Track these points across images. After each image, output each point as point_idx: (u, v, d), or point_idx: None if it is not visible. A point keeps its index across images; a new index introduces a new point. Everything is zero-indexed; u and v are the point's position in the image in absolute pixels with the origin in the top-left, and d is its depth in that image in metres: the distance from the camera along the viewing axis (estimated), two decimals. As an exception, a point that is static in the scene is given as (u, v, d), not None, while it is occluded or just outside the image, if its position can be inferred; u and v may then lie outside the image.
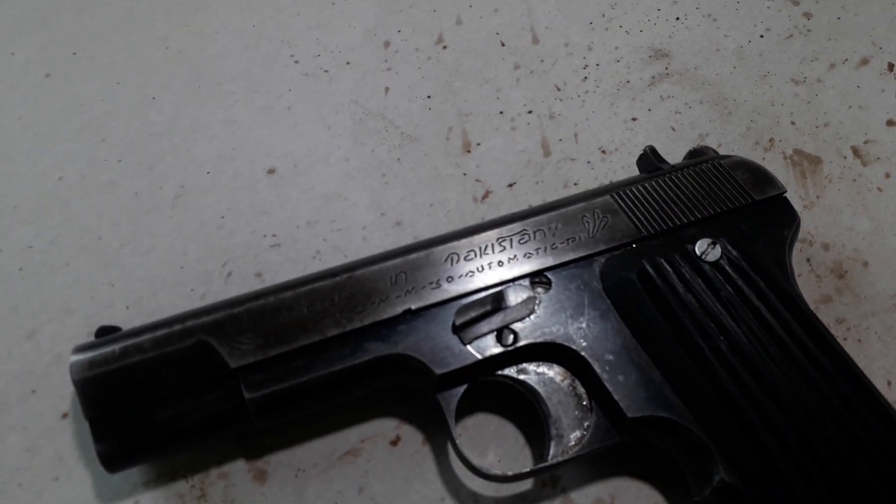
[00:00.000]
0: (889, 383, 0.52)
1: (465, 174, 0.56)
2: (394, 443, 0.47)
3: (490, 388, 0.47)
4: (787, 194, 0.51)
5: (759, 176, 0.51)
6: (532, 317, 0.45)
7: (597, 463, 0.47)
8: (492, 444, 0.46)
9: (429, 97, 0.59)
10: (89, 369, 0.42)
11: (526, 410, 0.47)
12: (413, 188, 0.55)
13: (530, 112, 0.59)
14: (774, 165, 0.59)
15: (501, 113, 0.59)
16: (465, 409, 0.48)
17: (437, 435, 0.47)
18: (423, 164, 0.56)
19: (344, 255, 0.52)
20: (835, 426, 0.41)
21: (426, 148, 0.57)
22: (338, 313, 0.44)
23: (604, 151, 0.58)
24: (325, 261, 0.52)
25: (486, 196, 0.56)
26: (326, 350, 0.43)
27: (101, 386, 0.42)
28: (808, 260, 0.56)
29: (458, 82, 0.60)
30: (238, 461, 0.45)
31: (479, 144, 0.58)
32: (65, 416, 0.46)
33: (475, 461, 0.45)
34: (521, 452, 0.47)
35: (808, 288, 0.55)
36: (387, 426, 0.47)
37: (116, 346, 0.43)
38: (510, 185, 0.56)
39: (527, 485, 0.46)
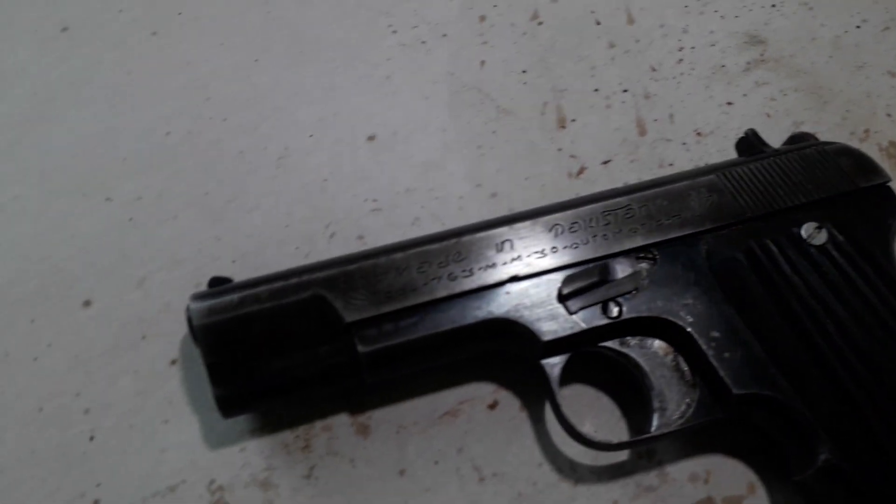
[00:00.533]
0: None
1: (559, 149, 0.56)
2: (491, 407, 0.47)
3: (587, 360, 0.48)
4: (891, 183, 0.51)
5: (863, 163, 0.50)
6: (638, 291, 0.45)
7: (692, 439, 0.47)
8: (588, 414, 0.47)
9: (524, 72, 0.59)
10: (209, 316, 0.43)
11: (622, 383, 0.48)
12: (508, 161, 0.55)
13: (625, 91, 0.59)
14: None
15: (596, 90, 0.59)
16: (563, 378, 0.48)
17: (534, 402, 0.47)
18: (518, 137, 0.56)
19: (441, 222, 0.53)
20: None
21: (521, 122, 0.57)
22: (446, 276, 0.44)
23: (699, 134, 0.58)
24: (423, 227, 0.52)
25: (580, 172, 0.56)
26: (435, 311, 0.43)
27: (221, 332, 0.43)
28: (901, 251, 0.56)
29: (552, 58, 0.60)
30: (341, 415, 0.46)
31: (573, 121, 0.58)
32: (173, 362, 0.47)
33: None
34: (616, 424, 0.47)
35: None
36: (484, 390, 0.47)
37: (235, 296, 0.44)
38: (605, 163, 0.56)
39: (623, 456, 0.47)
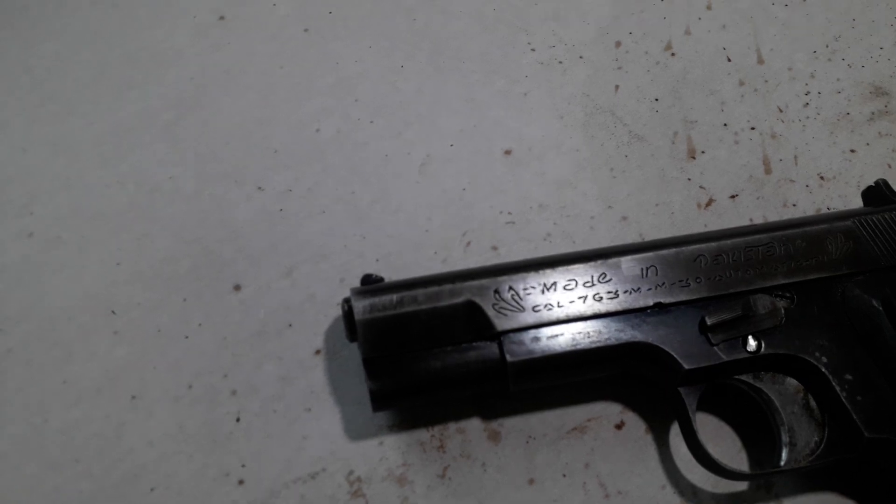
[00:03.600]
0: None
1: (689, 179, 0.56)
2: (618, 427, 0.47)
3: (717, 390, 0.49)
4: None
5: None
6: (778, 328, 0.45)
7: (809, 476, 0.47)
8: (710, 443, 0.46)
9: (656, 100, 0.59)
10: (370, 312, 0.43)
11: (746, 416, 0.48)
12: (639, 186, 0.55)
13: (753, 129, 0.59)
14: None
15: (725, 125, 0.59)
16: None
17: (659, 426, 0.47)
18: (649, 163, 0.56)
19: (572, 240, 0.53)
20: None
21: (652, 149, 0.57)
22: (592, 296, 0.45)
23: (822, 178, 0.58)
24: (554, 243, 0.53)
25: (709, 204, 0.56)
26: (581, 329, 0.43)
27: (380, 329, 0.43)
28: None
29: (684, 90, 0.60)
30: (474, 419, 0.47)
31: (703, 153, 0.58)
32: (318, 352, 0.48)
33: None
34: (737, 455, 0.47)
35: None
36: (612, 410, 0.48)
37: (394, 295, 0.44)
38: (732, 197, 0.56)
39: (742, 486, 0.47)
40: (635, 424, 0.47)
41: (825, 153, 0.59)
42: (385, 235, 0.51)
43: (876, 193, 0.54)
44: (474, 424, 0.46)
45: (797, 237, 0.48)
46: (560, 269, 0.46)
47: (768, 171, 0.58)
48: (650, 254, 0.46)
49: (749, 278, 0.46)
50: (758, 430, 0.47)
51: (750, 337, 0.45)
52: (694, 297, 0.45)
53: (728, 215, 0.56)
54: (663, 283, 0.46)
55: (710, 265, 0.47)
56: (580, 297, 0.45)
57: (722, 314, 0.45)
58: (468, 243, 0.52)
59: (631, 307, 0.44)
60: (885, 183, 0.53)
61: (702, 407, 0.49)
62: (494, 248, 0.52)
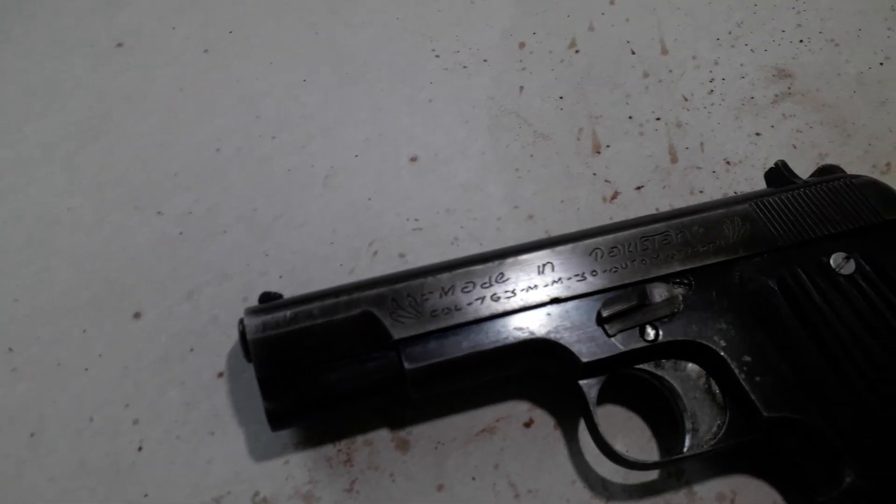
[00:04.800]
0: None
1: (594, 174, 0.57)
2: (527, 425, 0.47)
3: (619, 381, 0.49)
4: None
5: (888, 197, 0.51)
6: (674, 315, 0.45)
7: (719, 460, 0.47)
8: (619, 434, 0.47)
9: (561, 98, 0.60)
10: (263, 331, 0.43)
11: (653, 404, 0.48)
12: (545, 184, 0.55)
13: (658, 119, 0.59)
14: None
15: (630, 118, 0.59)
16: (598, 399, 0.49)
17: (568, 421, 0.47)
18: (554, 161, 0.57)
19: (480, 243, 0.53)
20: None
21: (558, 146, 0.57)
22: (489, 296, 0.45)
23: (728, 163, 0.59)
24: (462, 247, 0.53)
25: (614, 197, 0.57)
26: (479, 331, 0.44)
27: (274, 347, 0.43)
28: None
29: (589, 86, 0.60)
30: (382, 430, 0.46)
31: (608, 147, 0.58)
32: (220, 375, 0.47)
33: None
34: (646, 444, 0.47)
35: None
36: (520, 408, 0.48)
37: (288, 312, 0.44)
38: (638, 188, 0.57)
39: (653, 475, 0.47)
40: (544, 421, 0.47)
41: (731, 138, 0.60)
42: (289, 251, 0.51)
43: (777, 175, 0.54)
44: (382, 435, 0.46)
45: (694, 224, 0.48)
46: (458, 272, 0.45)
47: (674, 160, 0.59)
48: (546, 250, 0.47)
49: (645, 268, 0.46)
50: (666, 417, 0.47)
51: (647, 326, 0.45)
52: (590, 290, 0.45)
53: (634, 207, 0.56)
54: (560, 279, 0.46)
55: (607, 257, 0.47)
56: (478, 299, 0.45)
57: (617, 305, 0.46)
58: (375, 253, 0.52)
59: (528, 305, 0.44)
60: (784, 164, 0.54)
61: (611, 398, 0.49)
62: (402, 256, 0.52)
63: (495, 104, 0.59)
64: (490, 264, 0.46)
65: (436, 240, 0.52)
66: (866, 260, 0.47)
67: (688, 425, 0.45)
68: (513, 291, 0.46)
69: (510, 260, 0.46)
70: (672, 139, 0.60)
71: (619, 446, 0.47)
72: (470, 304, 0.45)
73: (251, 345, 0.44)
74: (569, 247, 0.47)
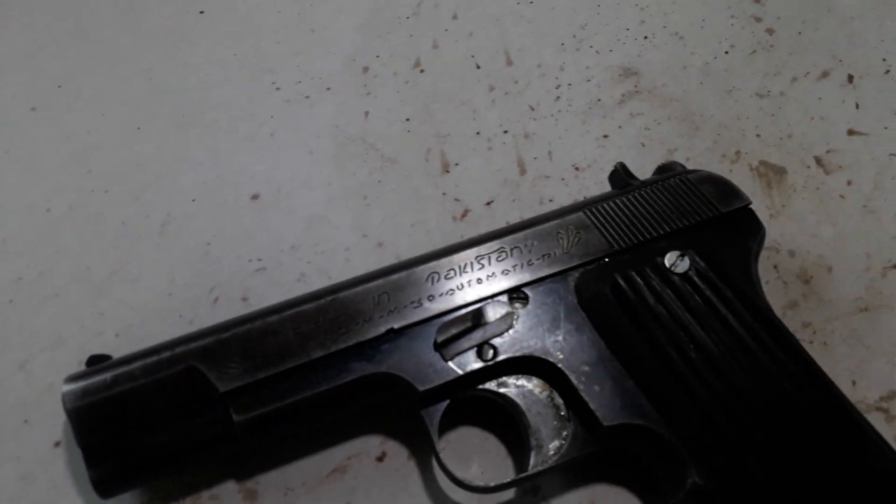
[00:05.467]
0: (854, 383, 0.53)
1: (444, 194, 0.57)
2: (380, 459, 0.47)
3: (473, 403, 0.49)
4: (752, 205, 0.52)
5: (724, 189, 0.52)
6: (511, 332, 0.46)
7: (576, 471, 0.47)
8: (475, 456, 0.47)
9: (407, 120, 0.60)
10: (82, 398, 0.43)
11: (508, 423, 0.48)
12: (394, 209, 0.56)
13: (506, 132, 0.60)
14: (741, 177, 0.60)
15: (478, 133, 0.60)
16: (449, 423, 0.48)
17: (422, 449, 0.48)
18: (403, 185, 0.57)
19: (328, 276, 0.53)
20: (801, 427, 0.42)
21: (406, 169, 0.58)
22: (322, 335, 0.45)
23: (577, 168, 0.59)
24: (309, 283, 0.53)
25: (464, 215, 0.57)
26: (312, 371, 0.44)
27: (94, 414, 0.42)
28: (776, 267, 0.57)
29: (435, 105, 0.61)
30: (228, 482, 0.46)
31: (457, 164, 0.59)
32: (57, 444, 0.47)
33: (459, 474, 0.45)
34: (503, 463, 0.47)
35: (776, 294, 0.56)
36: (372, 443, 0.48)
37: (108, 375, 0.43)
38: (488, 204, 0.57)
39: (510, 494, 0.47)
40: (398, 453, 0.47)
41: (578, 144, 0.61)
42: (126, 307, 0.51)
43: (617, 177, 0.55)
44: (229, 487, 0.46)
45: (528, 238, 0.49)
46: (288, 313, 0.45)
47: (523, 171, 0.60)
48: (380, 281, 0.47)
49: (481, 287, 0.46)
50: (518, 436, 0.48)
51: (485, 346, 0.45)
52: (426, 317, 0.45)
53: (485, 222, 0.57)
54: (395, 308, 0.46)
55: (443, 281, 0.47)
56: (310, 340, 0.44)
57: (452, 329, 0.46)
58: (216, 299, 0.52)
59: (362, 339, 0.44)
60: (623, 166, 0.55)
61: (467, 420, 0.50)
62: (244, 300, 0.52)
63: (340, 132, 0.59)
64: (322, 301, 0.46)
65: (281, 279, 0.52)
66: (701, 256, 0.48)
67: (532, 442, 0.46)
68: (347, 327, 0.45)
69: (343, 294, 0.46)
70: (520, 151, 0.60)
71: (474, 468, 0.47)
72: (302, 345, 0.45)
73: (68, 414, 0.43)
74: (404, 274, 0.47)
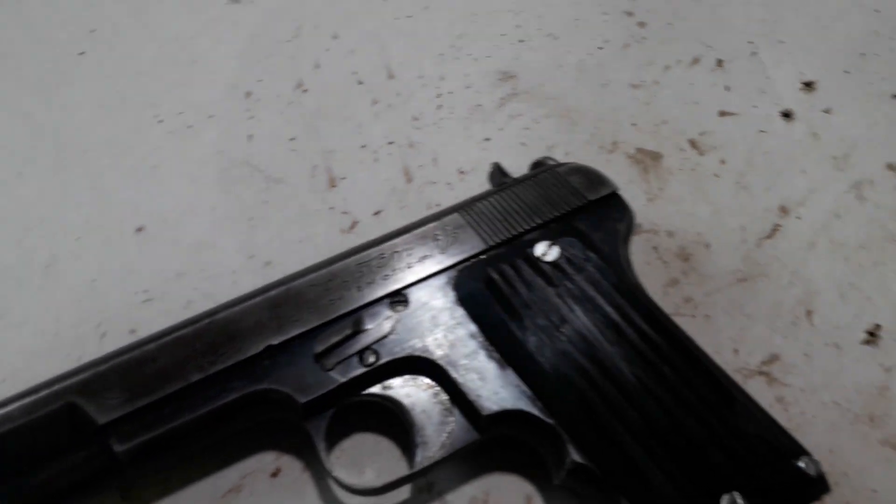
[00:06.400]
0: (736, 351, 0.57)
1: (331, 208, 0.60)
2: (274, 475, 0.49)
3: (364, 409, 0.51)
4: (627, 191, 0.56)
5: (591, 178, 0.56)
6: (392, 335, 0.48)
7: (469, 463, 0.50)
8: (369, 461, 0.49)
9: (292, 140, 0.62)
10: (-44, 446, 0.44)
11: (399, 425, 0.50)
12: (281, 228, 0.58)
13: (391, 143, 0.63)
14: (618, 166, 0.64)
15: (364, 147, 0.63)
16: (342, 431, 0.50)
17: (317, 461, 0.48)
18: (289, 203, 0.59)
19: (215, 301, 0.53)
20: (672, 400, 0.45)
21: (292, 188, 0.60)
22: (200, 358, 0.46)
23: (462, 172, 0.62)
24: (196, 309, 0.53)
25: (353, 226, 0.59)
26: (191, 395, 0.45)
27: (-30, 461, 0.44)
28: (655, 248, 0.61)
29: (320, 122, 0.64)
30: (123, 514, 0.48)
31: (343, 179, 0.61)
32: (-55, 494, 0.47)
33: (353, 480, 0.47)
34: (397, 465, 0.49)
35: (657, 273, 0.59)
36: (266, 460, 0.49)
37: (-14, 418, 0.45)
38: (376, 214, 0.59)
39: (405, 494, 0.49)
40: (292, 467, 0.49)
41: (462, 148, 0.64)
42: (11, 353, 0.51)
43: (494, 177, 0.59)
44: (123, 519, 0.47)
45: (407, 242, 0.51)
46: (165, 339, 0.46)
47: (409, 179, 0.62)
48: (259, 299, 0.49)
49: (360, 294, 0.49)
50: (408, 437, 0.50)
51: (366, 351, 0.48)
52: (305, 330, 0.47)
53: (374, 232, 0.58)
54: (274, 325, 0.48)
55: (322, 293, 0.49)
56: (189, 363, 0.46)
57: (331, 339, 0.48)
58: (104, 334, 0.53)
59: (241, 358, 0.46)
60: (498, 166, 0.59)
61: (359, 427, 0.51)
62: (133, 332, 0.53)
63: (224, 157, 0.61)
64: (199, 325, 0.47)
65: (168, 308, 0.54)
66: (571, 243, 0.51)
67: (418, 440, 0.48)
68: (224, 348, 0.47)
69: (220, 316, 0.48)
70: (406, 160, 0.63)
71: (369, 473, 0.49)
72: (181, 370, 0.46)
73: (-54, 462, 0.44)
74: (283, 290, 0.49)
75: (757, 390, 0.54)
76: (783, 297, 0.60)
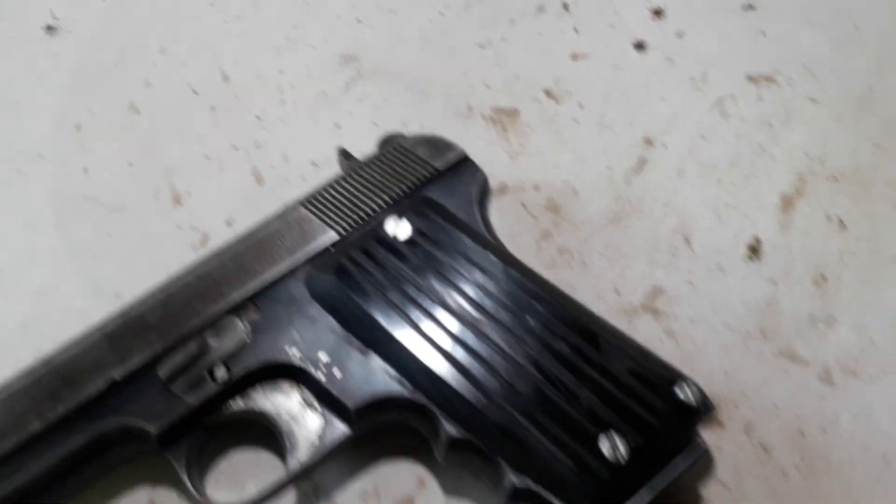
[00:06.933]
0: (618, 292, 0.56)
1: (178, 227, 0.57)
2: (150, 509, 0.48)
3: (234, 427, 0.49)
4: (481, 153, 0.54)
5: (438, 146, 0.54)
6: (244, 347, 0.46)
7: (353, 457, 0.48)
8: (250, 476, 0.47)
9: (130, 164, 0.60)
10: None
11: (273, 436, 0.49)
12: (127, 257, 0.55)
13: (235, 148, 0.61)
14: (476, 129, 0.63)
15: (207, 157, 0.60)
16: (217, 450, 0.48)
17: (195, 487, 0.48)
18: (133, 230, 0.57)
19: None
20: (538, 353, 0.44)
21: (135, 214, 0.58)
22: (39, 406, 0.44)
23: (315, 165, 0.60)
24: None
25: (205, 241, 0.56)
26: (34, 446, 0.42)
27: None
28: (524, 204, 0.60)
29: (157, 141, 0.61)
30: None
31: (189, 194, 0.59)
32: None
33: (233, 498, 0.45)
34: (279, 475, 0.48)
35: (528, 229, 0.58)
36: (139, 498, 0.47)
37: None
38: (229, 224, 0.57)
39: (290, 501, 0.47)
40: (167, 498, 0.46)
41: (313, 140, 0.62)
42: None
43: (342, 162, 0.57)
44: None
45: (247, 247, 0.49)
46: (9, 393, 0.43)
47: (261, 182, 0.60)
48: (95, 335, 0.46)
49: (205, 309, 0.46)
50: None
51: (217, 368, 0.46)
52: (148, 358, 0.45)
53: (227, 243, 0.58)
54: (114, 359, 0.45)
55: (162, 316, 0.47)
56: (25, 416, 0.42)
57: (174, 361, 0.46)
58: (-54, 405, 0.50)
59: (83, 398, 0.43)
60: (342, 150, 0.57)
61: (234, 445, 0.49)
62: (-22, 395, 0.51)
63: (59, 196, 0.58)
64: (34, 374, 0.44)
65: (16, 361, 0.48)
66: (422, 214, 0.50)
67: (287, 444, 0.46)
68: (64, 392, 0.44)
69: (57, 360, 0.45)
70: (254, 162, 0.61)
71: (250, 487, 0.47)
72: (19, 423, 0.43)
73: None
74: (119, 321, 0.47)
75: (644, 327, 0.54)
76: (659, 230, 0.60)
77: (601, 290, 0.56)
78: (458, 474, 0.48)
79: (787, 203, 0.61)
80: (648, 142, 0.63)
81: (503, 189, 0.60)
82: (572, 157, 0.62)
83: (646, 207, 0.60)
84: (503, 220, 0.58)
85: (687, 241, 0.59)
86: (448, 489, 0.48)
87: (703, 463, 0.45)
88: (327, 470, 0.48)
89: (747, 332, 0.56)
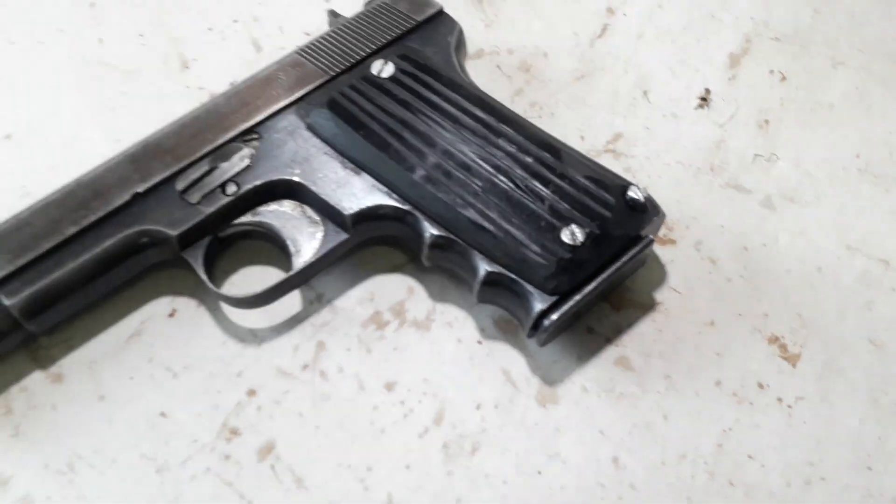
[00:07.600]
0: (583, 137, 0.64)
1: (187, 87, 0.64)
2: (171, 315, 0.54)
3: (243, 244, 0.56)
4: (456, 13, 0.60)
5: (417, 2, 0.62)
6: (250, 167, 0.54)
7: (352, 272, 0.56)
8: (259, 286, 0.54)
9: (141, 35, 0.67)
10: None
11: (280, 250, 0.56)
12: (143, 112, 0.62)
13: (236, 21, 0.68)
14: (455, 2, 0.70)
15: (210, 29, 0.67)
16: (228, 267, 0.56)
17: (209, 297, 0.55)
18: (147, 90, 0.64)
19: (93, 185, 0.59)
20: (508, 164, 0.51)
21: (148, 77, 0.65)
22: (73, 214, 0.52)
23: (307, 34, 0.67)
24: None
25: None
26: (70, 246, 0.50)
27: None
28: (498, 66, 0.67)
29: (165, 16, 0.68)
30: (34, 374, 0.52)
31: (195, 60, 0.66)
32: None
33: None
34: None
35: (502, 87, 0.66)
36: (162, 304, 0.55)
37: None
38: (232, 84, 0.64)
39: (297, 307, 0.55)
40: (187, 305, 0.55)
41: (304, 10, 0.68)
42: None
43: (332, 21, 0.64)
44: (35, 378, 0.52)
45: (251, 86, 0.57)
46: (37, 206, 0.50)
47: (259, 49, 0.67)
48: (120, 157, 0.54)
49: (214, 136, 0.54)
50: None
51: (228, 183, 0.54)
52: (167, 174, 0.53)
53: (231, 100, 0.65)
54: (137, 176, 0.53)
55: (178, 141, 0.54)
56: (60, 222, 0.49)
57: (189, 176, 0.54)
58: (-12, 232, 0.57)
59: (111, 208, 0.51)
60: (331, 10, 0.64)
61: (245, 262, 0.57)
62: (16, 225, 0.57)
63: (78, 62, 0.65)
64: (67, 188, 0.52)
65: None
66: (405, 57, 0.58)
67: (291, 249, 0.55)
68: (95, 203, 0.52)
69: (87, 177, 0.52)
70: (252, 33, 0.68)
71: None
72: (56, 228, 0.51)
73: None
74: (141, 147, 0.54)
75: (606, 164, 0.59)
76: (620, 85, 0.67)
77: (567, 137, 0.62)
78: (441, 283, 0.56)
79: (735, 60, 0.68)
80: (610, 11, 0.70)
81: (479, 53, 0.68)
82: (542, 24, 0.69)
83: (608, 66, 0.67)
84: (480, 80, 0.64)
85: (645, 93, 0.66)
86: (434, 295, 0.56)
87: (650, 253, 0.53)
88: (329, 281, 0.55)
89: (697, 168, 0.63)
